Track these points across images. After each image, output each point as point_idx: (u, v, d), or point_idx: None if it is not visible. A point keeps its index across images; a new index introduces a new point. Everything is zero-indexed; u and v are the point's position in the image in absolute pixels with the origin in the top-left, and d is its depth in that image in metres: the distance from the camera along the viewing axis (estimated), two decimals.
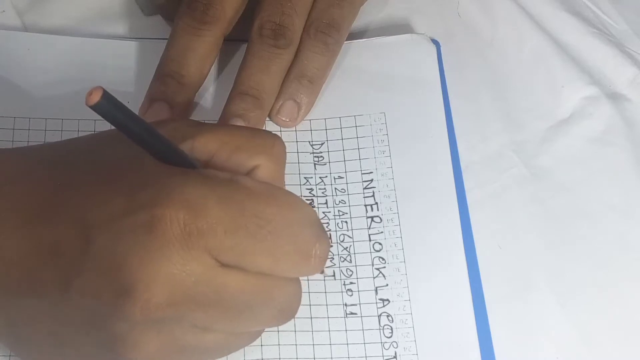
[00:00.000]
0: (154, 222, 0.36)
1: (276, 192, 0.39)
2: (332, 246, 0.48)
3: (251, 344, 0.44)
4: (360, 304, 0.46)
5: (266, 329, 0.44)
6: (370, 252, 0.48)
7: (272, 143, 0.42)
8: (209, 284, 0.37)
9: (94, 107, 0.34)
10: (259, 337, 0.44)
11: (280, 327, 0.45)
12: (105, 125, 0.50)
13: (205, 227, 0.36)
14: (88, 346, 0.38)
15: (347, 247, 0.48)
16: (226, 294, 0.37)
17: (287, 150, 0.51)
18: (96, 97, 0.34)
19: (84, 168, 0.39)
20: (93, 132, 0.37)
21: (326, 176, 0.50)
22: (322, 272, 0.47)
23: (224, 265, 0.37)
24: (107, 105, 0.35)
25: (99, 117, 0.50)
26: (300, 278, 0.42)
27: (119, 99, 0.51)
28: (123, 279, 0.36)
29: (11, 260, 0.38)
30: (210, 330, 0.39)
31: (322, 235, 0.39)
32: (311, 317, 0.46)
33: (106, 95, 0.34)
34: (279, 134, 0.52)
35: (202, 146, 0.40)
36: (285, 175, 0.50)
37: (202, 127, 0.41)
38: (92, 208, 0.37)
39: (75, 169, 0.39)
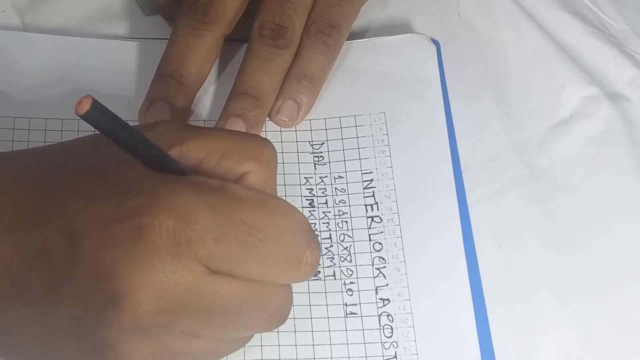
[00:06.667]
0: (143, 231, 0.35)
1: (266, 199, 0.38)
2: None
3: (251, 344, 0.44)
4: (360, 303, 0.46)
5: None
6: (371, 252, 0.48)
7: (262, 148, 0.41)
8: (199, 292, 0.36)
9: (84, 117, 0.33)
10: (259, 337, 0.45)
11: (280, 328, 0.45)
12: None
13: (195, 236, 0.36)
14: (77, 354, 0.38)
15: (347, 247, 0.48)
16: (216, 301, 0.37)
17: (287, 151, 0.51)
18: (86, 106, 0.33)
19: (71, 174, 0.39)
20: (81, 137, 0.36)
21: (326, 176, 0.50)
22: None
23: (214, 272, 0.37)
24: (97, 114, 0.34)
25: None
26: None
27: (119, 99, 0.52)
28: (112, 288, 0.35)
29: (0, 265, 0.37)
30: (200, 337, 0.38)
31: (312, 241, 0.39)
32: (311, 317, 0.46)
33: (96, 104, 0.34)
34: (279, 133, 0.52)
35: (190, 152, 0.39)
36: (286, 175, 0.50)
37: (191, 131, 0.40)
38: (80, 215, 0.37)
39: (62, 175, 0.39)
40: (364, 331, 0.46)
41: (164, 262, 0.35)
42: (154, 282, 0.35)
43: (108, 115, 0.35)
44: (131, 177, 0.37)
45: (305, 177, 0.50)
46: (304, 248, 0.38)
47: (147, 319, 0.36)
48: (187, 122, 0.52)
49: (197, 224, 0.36)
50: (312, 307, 0.46)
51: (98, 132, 0.36)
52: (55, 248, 0.37)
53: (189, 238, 0.36)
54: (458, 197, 0.50)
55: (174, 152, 0.39)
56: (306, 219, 0.39)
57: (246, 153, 0.40)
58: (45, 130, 0.50)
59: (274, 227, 0.38)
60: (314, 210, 0.49)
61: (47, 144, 0.50)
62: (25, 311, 0.38)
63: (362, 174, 0.50)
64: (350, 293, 0.47)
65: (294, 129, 0.52)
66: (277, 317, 0.40)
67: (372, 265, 0.48)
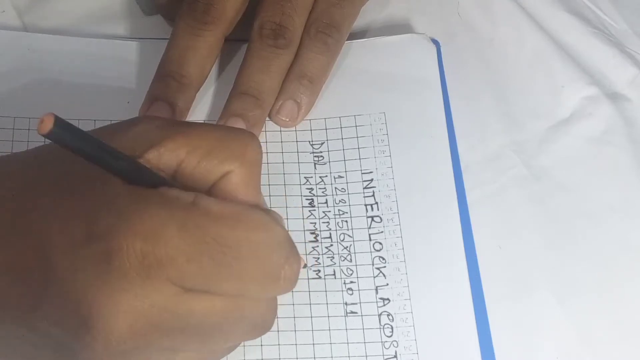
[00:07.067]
0: (112, 254, 0.34)
1: (241, 213, 0.37)
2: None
3: (251, 344, 0.44)
4: (360, 303, 0.46)
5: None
6: (371, 252, 0.48)
7: (245, 146, 0.39)
8: (174, 312, 0.36)
9: (48, 136, 0.32)
10: (259, 338, 0.44)
11: (281, 327, 0.45)
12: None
13: (165, 257, 0.35)
14: None
15: (347, 247, 0.48)
16: (193, 319, 0.36)
17: (287, 150, 0.51)
18: (48, 125, 0.32)
19: (44, 188, 0.38)
20: (52, 145, 0.36)
21: (326, 176, 0.50)
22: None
23: (189, 290, 0.36)
24: (62, 133, 0.33)
25: (99, 117, 0.51)
26: (300, 277, 0.41)
27: (119, 99, 0.52)
28: (83, 311, 0.35)
29: None
30: (181, 351, 0.38)
31: (291, 255, 0.38)
32: (311, 317, 0.46)
33: (59, 122, 0.32)
34: (279, 133, 0.52)
35: (169, 152, 0.38)
36: (286, 175, 0.50)
37: (171, 129, 0.39)
38: (52, 233, 0.36)
39: (35, 189, 0.38)
40: (364, 330, 0.46)
41: (134, 285, 0.35)
42: (125, 307, 0.35)
43: (74, 132, 0.34)
44: (103, 193, 0.36)
45: (305, 177, 0.50)
46: (282, 264, 0.37)
47: (120, 345, 0.35)
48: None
49: (167, 244, 0.35)
50: (312, 305, 0.46)
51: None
52: (30, 265, 0.36)
53: (159, 260, 0.35)
54: (458, 197, 0.50)
55: (152, 154, 0.38)
56: (285, 231, 0.38)
57: (228, 151, 0.39)
58: None
59: (249, 243, 0.36)
60: (314, 210, 0.49)
61: (46, 143, 0.49)
62: (7, 327, 0.37)
63: (362, 173, 0.50)
64: (350, 292, 0.47)
65: (294, 128, 0.52)
66: (260, 327, 0.40)
67: (372, 264, 0.48)
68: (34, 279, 0.36)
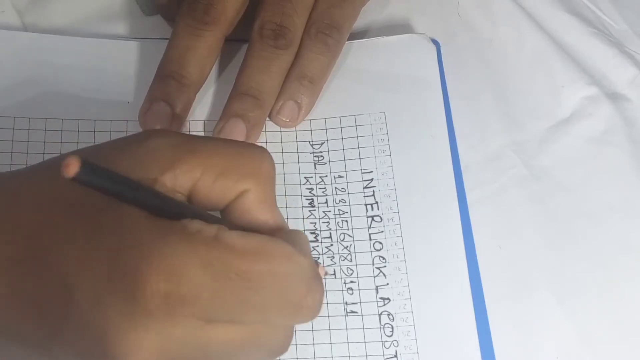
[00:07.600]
0: (135, 292, 0.34)
1: (264, 246, 0.36)
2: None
3: None
4: (360, 302, 0.46)
5: None
6: (371, 251, 0.48)
7: (260, 163, 0.39)
8: (196, 344, 0.36)
9: (74, 179, 0.32)
10: None
11: None
12: (106, 125, 0.51)
13: (189, 295, 0.35)
14: None
15: (347, 246, 0.48)
16: (213, 348, 0.36)
17: (287, 151, 0.51)
18: (74, 169, 0.31)
19: (60, 218, 0.37)
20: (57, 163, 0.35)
21: (326, 175, 0.50)
22: (326, 273, 0.47)
23: (210, 320, 0.36)
24: (88, 175, 0.33)
25: (99, 117, 0.51)
26: None
27: (120, 99, 0.52)
28: (105, 346, 0.35)
29: None
30: None
31: (313, 285, 0.37)
32: None
33: (85, 165, 0.32)
34: (279, 134, 0.52)
35: (185, 174, 0.38)
36: (286, 175, 0.50)
37: (184, 149, 0.38)
38: (74, 265, 0.35)
39: (51, 218, 0.37)
40: (365, 330, 0.46)
41: (157, 322, 0.35)
42: (148, 344, 0.35)
43: (100, 173, 0.34)
44: (127, 225, 0.36)
45: (305, 177, 0.50)
46: (304, 294, 0.37)
47: None
48: (185, 124, 0.51)
49: (191, 282, 0.35)
50: None
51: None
52: (48, 296, 0.36)
53: (183, 297, 0.35)
54: (458, 197, 0.50)
55: (167, 177, 0.37)
56: (308, 261, 0.38)
57: (243, 170, 0.39)
58: (45, 130, 0.50)
59: (272, 275, 0.36)
60: (314, 210, 0.49)
61: (46, 143, 0.50)
62: (24, 350, 0.37)
63: (362, 173, 0.50)
64: (350, 292, 0.47)
65: (294, 128, 0.52)
66: (277, 352, 0.40)
67: (373, 264, 0.48)
68: (51, 308, 0.36)
